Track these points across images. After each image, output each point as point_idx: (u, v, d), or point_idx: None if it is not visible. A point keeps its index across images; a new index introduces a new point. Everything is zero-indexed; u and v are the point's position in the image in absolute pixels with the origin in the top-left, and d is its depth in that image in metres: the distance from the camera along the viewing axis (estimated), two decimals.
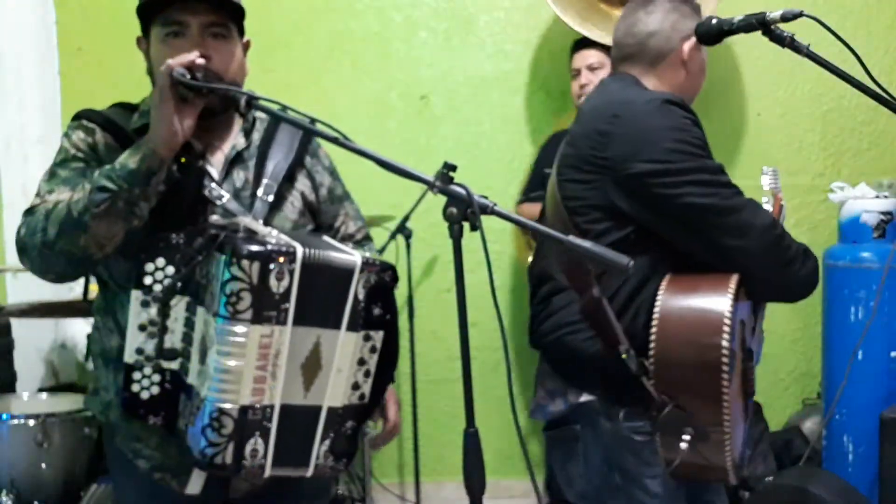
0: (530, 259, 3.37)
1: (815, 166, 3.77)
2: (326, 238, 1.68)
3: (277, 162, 1.73)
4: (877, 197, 3.24)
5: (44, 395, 3.12)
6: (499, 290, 1.48)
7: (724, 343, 1.61)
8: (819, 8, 3.62)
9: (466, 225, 1.39)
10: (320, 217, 1.83)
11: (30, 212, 1.61)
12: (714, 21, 1.76)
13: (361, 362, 1.60)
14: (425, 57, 3.78)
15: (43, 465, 2.73)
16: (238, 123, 1.77)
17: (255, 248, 1.45)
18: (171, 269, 1.55)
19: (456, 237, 1.39)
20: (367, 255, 1.60)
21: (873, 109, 3.68)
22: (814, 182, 3.74)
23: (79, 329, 3.51)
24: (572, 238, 1.39)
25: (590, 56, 3.22)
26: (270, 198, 1.70)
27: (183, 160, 1.61)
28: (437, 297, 3.71)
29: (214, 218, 1.63)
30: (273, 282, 1.46)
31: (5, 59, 3.59)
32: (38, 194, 1.64)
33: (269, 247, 1.47)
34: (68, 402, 2.90)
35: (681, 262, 1.74)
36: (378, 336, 1.61)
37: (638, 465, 1.74)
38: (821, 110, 3.77)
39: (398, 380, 3.77)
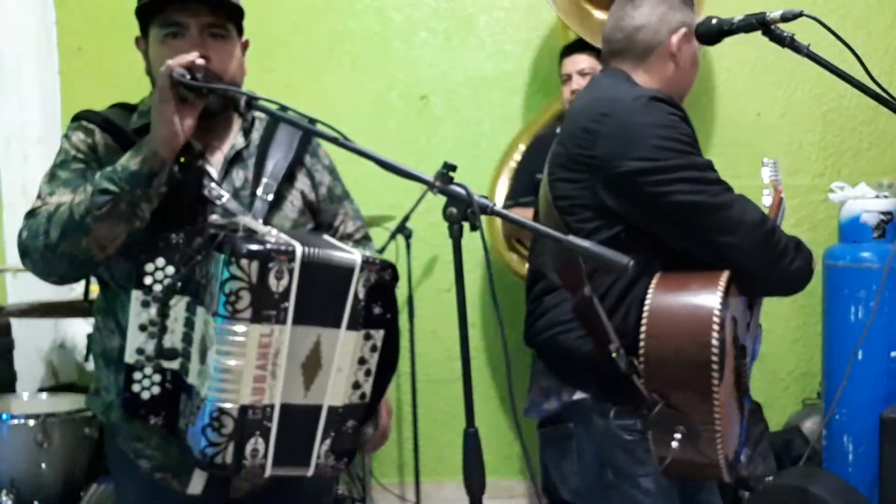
0: (514, 258, 3.38)
1: (815, 166, 3.78)
2: (326, 237, 1.68)
3: (277, 161, 1.73)
4: (877, 197, 3.24)
5: (44, 395, 3.12)
6: (498, 290, 1.47)
7: (714, 340, 1.61)
8: (819, 8, 3.62)
9: (466, 225, 1.39)
10: (320, 216, 1.83)
11: (31, 214, 1.61)
12: (714, 21, 1.75)
13: (362, 361, 1.60)
14: (425, 57, 3.78)
15: (43, 465, 2.72)
16: (237, 123, 1.77)
17: (253, 247, 1.45)
18: (170, 269, 1.55)
19: (456, 237, 1.39)
20: (368, 253, 1.60)
21: (873, 109, 3.68)
22: (814, 182, 3.74)
23: (79, 329, 3.51)
24: (572, 238, 1.39)
25: (581, 61, 3.20)
26: (270, 197, 1.70)
27: (182, 160, 1.61)
28: (437, 297, 3.71)
29: (214, 217, 1.63)
30: (272, 281, 1.46)
31: (5, 59, 3.59)
32: (39, 196, 1.65)
33: (269, 246, 1.47)
34: (68, 402, 2.90)
35: (672, 259, 1.74)
36: (378, 335, 1.61)
37: (631, 463, 1.74)
38: (821, 110, 3.77)
39: (398, 380, 3.78)
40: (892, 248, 3.07)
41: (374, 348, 1.60)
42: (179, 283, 1.55)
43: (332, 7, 3.77)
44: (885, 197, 3.24)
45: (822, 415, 3.35)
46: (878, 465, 2.94)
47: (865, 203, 3.22)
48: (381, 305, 1.59)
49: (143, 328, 1.55)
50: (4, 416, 2.72)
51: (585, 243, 1.39)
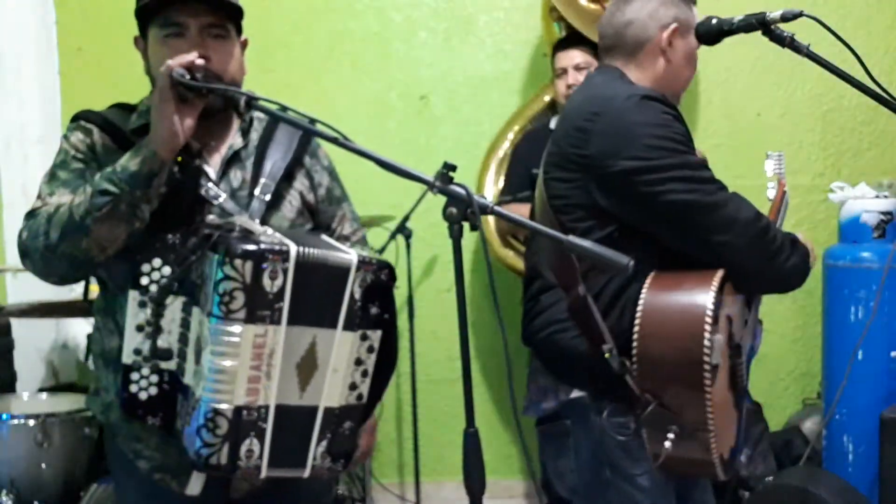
0: (509, 254, 3.37)
1: (815, 166, 3.78)
2: (325, 237, 1.68)
3: (275, 161, 1.73)
4: (877, 197, 3.24)
5: (44, 395, 3.12)
6: (498, 290, 1.47)
7: (706, 339, 1.61)
8: (819, 8, 3.62)
9: (466, 225, 1.39)
10: (318, 217, 1.82)
11: (31, 215, 1.61)
12: (714, 21, 1.75)
13: (359, 362, 1.59)
14: (425, 57, 3.78)
15: (43, 465, 2.72)
16: (236, 123, 1.77)
17: (247, 247, 1.45)
18: (167, 270, 1.54)
19: (456, 237, 1.39)
20: (364, 253, 1.59)
21: (873, 109, 3.68)
22: (814, 182, 3.74)
23: (79, 329, 3.52)
24: (572, 238, 1.39)
25: (576, 56, 3.19)
26: (268, 197, 1.69)
27: (179, 159, 1.60)
28: (437, 297, 3.70)
29: (211, 218, 1.63)
30: (266, 281, 1.46)
31: (5, 59, 3.59)
32: (38, 196, 1.65)
33: (262, 246, 1.46)
34: (68, 402, 2.90)
35: (666, 259, 1.74)
36: (376, 336, 1.60)
37: (628, 460, 1.74)
38: (821, 110, 3.77)
39: (398, 379, 3.78)
40: (892, 248, 3.07)
41: (371, 349, 1.60)
42: (174, 284, 1.54)
43: (332, 7, 3.77)
44: (885, 197, 3.24)
45: (822, 415, 3.35)
46: (878, 465, 2.94)
47: (865, 203, 3.22)
48: (378, 306, 1.59)
49: (139, 329, 1.55)
50: (4, 416, 2.71)
51: (585, 243, 1.39)
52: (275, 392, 1.50)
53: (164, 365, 1.56)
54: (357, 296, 1.56)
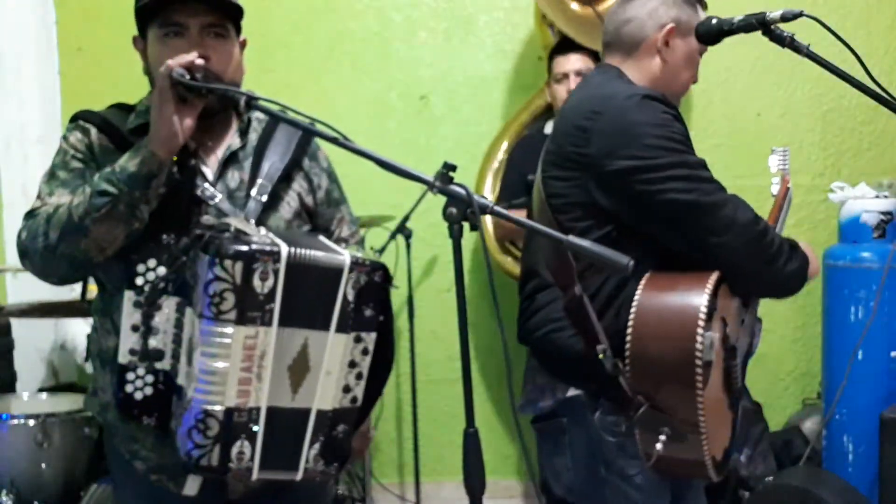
0: (508, 260, 3.37)
1: (815, 166, 3.78)
2: (321, 238, 1.67)
3: (273, 162, 1.72)
4: (877, 197, 3.24)
5: (44, 395, 3.12)
6: (498, 290, 1.47)
7: (698, 340, 1.61)
8: (819, 8, 3.62)
9: (466, 225, 1.39)
10: (317, 219, 1.82)
11: (30, 215, 1.61)
12: (714, 21, 1.75)
13: (352, 364, 1.58)
14: (425, 57, 3.78)
15: (43, 465, 2.72)
16: (235, 124, 1.76)
17: (238, 247, 1.44)
18: (162, 270, 1.54)
19: (456, 237, 1.39)
20: (358, 255, 1.58)
21: (873, 109, 3.68)
22: (814, 182, 3.74)
23: (79, 329, 3.51)
24: (572, 237, 1.39)
25: (576, 61, 3.16)
26: (264, 198, 1.68)
27: (175, 159, 1.60)
28: (437, 297, 3.71)
29: (206, 218, 1.63)
30: (257, 282, 1.45)
31: (5, 58, 3.59)
32: (38, 196, 1.65)
33: (253, 246, 1.45)
34: (68, 402, 2.90)
35: (665, 259, 1.73)
36: (370, 338, 1.59)
37: (623, 459, 1.74)
38: (821, 110, 3.77)
39: (398, 379, 3.78)
40: (892, 248, 3.07)
41: (365, 351, 1.58)
42: (169, 284, 1.54)
43: (332, 7, 3.77)
44: (885, 197, 3.24)
45: (822, 415, 3.35)
46: (878, 465, 2.94)
47: (865, 203, 3.22)
48: (372, 308, 1.57)
49: (135, 329, 1.55)
50: (4, 416, 2.71)
51: (585, 243, 1.39)
52: (266, 394, 1.50)
53: (159, 365, 1.56)
54: (350, 297, 1.55)
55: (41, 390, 3.32)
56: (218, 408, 1.46)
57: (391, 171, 1.43)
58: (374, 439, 3.69)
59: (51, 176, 1.66)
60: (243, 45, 1.75)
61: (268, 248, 1.46)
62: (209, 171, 1.69)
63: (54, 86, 3.77)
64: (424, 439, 3.67)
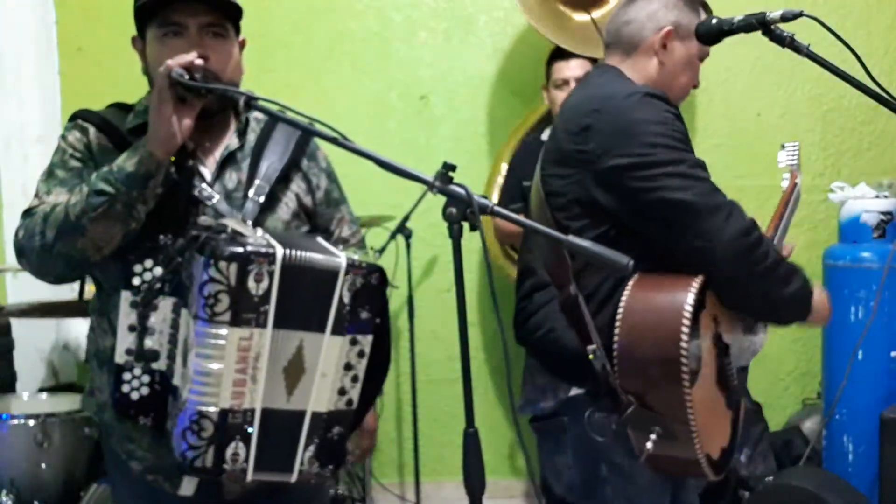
0: (508, 264, 3.37)
1: (815, 166, 3.78)
2: (319, 239, 1.66)
3: (271, 163, 1.72)
4: (877, 197, 3.24)
5: (44, 395, 3.12)
6: (498, 290, 1.47)
7: (683, 337, 1.61)
8: (819, 8, 3.62)
9: (466, 225, 1.39)
10: (316, 220, 1.81)
11: (28, 213, 1.61)
12: (714, 21, 1.75)
13: (348, 367, 1.57)
14: (425, 57, 3.78)
15: (43, 465, 2.72)
16: (234, 124, 1.76)
17: (233, 249, 1.44)
18: (159, 271, 1.54)
19: (455, 237, 1.39)
20: (354, 257, 1.57)
21: (873, 109, 3.68)
22: (814, 182, 3.74)
23: (79, 329, 3.52)
24: (571, 237, 1.39)
25: (577, 67, 3.14)
26: (262, 199, 1.68)
27: (173, 159, 1.60)
28: (437, 297, 3.71)
29: (202, 219, 1.63)
30: (252, 283, 1.45)
31: (5, 58, 3.59)
32: (36, 195, 1.65)
33: (249, 248, 1.45)
34: (68, 402, 2.90)
35: (662, 260, 1.72)
36: (366, 340, 1.58)
37: (624, 458, 1.74)
38: (821, 110, 3.77)
39: (398, 379, 3.78)
40: (892, 248, 3.07)
41: (361, 354, 1.58)
42: (165, 285, 1.54)
43: (332, 7, 3.77)
44: (885, 197, 3.24)
45: (822, 415, 3.35)
46: (878, 465, 2.94)
47: (865, 203, 3.22)
48: (368, 310, 1.57)
49: (132, 329, 1.55)
50: (4, 416, 2.71)
51: (585, 243, 1.39)
52: (261, 395, 1.49)
53: (155, 365, 1.56)
54: (346, 299, 1.54)
55: (41, 390, 3.32)
56: (212, 409, 1.46)
57: (391, 171, 1.43)
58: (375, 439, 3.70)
59: (49, 175, 1.66)
60: (242, 45, 1.75)
61: (263, 249, 1.46)
62: (207, 171, 1.69)
63: (54, 86, 3.77)
64: (424, 439, 3.67)
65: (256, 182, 1.69)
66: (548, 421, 1.85)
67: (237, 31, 1.73)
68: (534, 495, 3.49)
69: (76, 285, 2.31)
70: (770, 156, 3.69)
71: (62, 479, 2.76)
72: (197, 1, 1.62)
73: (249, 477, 1.51)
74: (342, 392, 1.58)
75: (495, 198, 3.46)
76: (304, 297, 1.51)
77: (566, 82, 3.16)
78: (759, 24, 1.66)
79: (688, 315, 1.62)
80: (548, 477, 1.94)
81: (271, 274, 1.46)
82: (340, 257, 1.55)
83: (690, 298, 1.63)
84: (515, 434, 3.67)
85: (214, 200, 1.65)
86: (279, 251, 1.47)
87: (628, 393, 1.65)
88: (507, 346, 1.48)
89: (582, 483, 1.83)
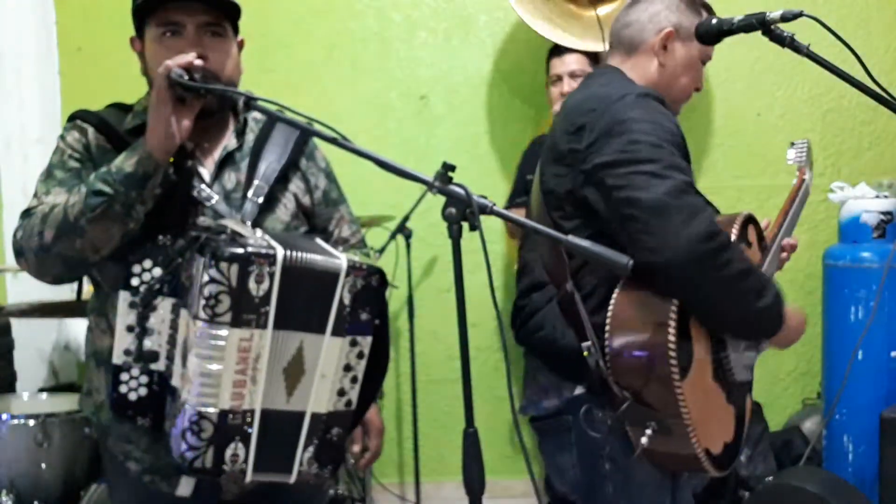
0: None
1: (815, 166, 3.76)
2: (318, 240, 1.66)
3: (270, 163, 1.72)
4: (877, 197, 3.24)
5: (44, 395, 3.12)
6: (498, 290, 1.47)
7: (671, 332, 1.61)
8: (819, 8, 3.62)
9: (466, 225, 1.39)
10: (314, 220, 1.81)
11: (27, 213, 1.61)
12: (714, 21, 1.76)
13: (348, 368, 1.57)
14: (425, 57, 3.78)
15: (43, 465, 2.72)
16: (233, 124, 1.76)
17: (234, 250, 1.44)
18: (157, 271, 1.54)
19: (455, 237, 1.39)
20: (355, 258, 1.58)
21: (873, 109, 3.68)
22: (814, 182, 3.73)
23: (79, 329, 3.52)
24: (571, 237, 1.39)
25: (571, 62, 3.17)
26: (260, 199, 1.68)
27: (172, 160, 1.60)
28: (437, 297, 3.71)
29: (201, 219, 1.63)
30: (252, 284, 1.45)
31: (5, 59, 3.59)
32: (35, 195, 1.65)
33: (249, 249, 1.45)
34: (68, 402, 2.90)
35: None
36: (366, 341, 1.59)
37: (627, 455, 1.75)
38: (821, 110, 3.77)
39: (398, 380, 3.78)
40: (892, 248, 3.07)
41: (360, 355, 1.58)
42: (164, 285, 1.54)
43: (332, 7, 3.77)
44: (885, 197, 3.24)
45: (822, 415, 3.35)
46: (878, 465, 2.94)
47: (865, 203, 3.22)
48: (368, 311, 1.57)
49: (130, 329, 1.55)
50: (4, 416, 2.71)
51: (585, 243, 1.39)
52: (260, 396, 1.50)
53: (153, 366, 1.56)
54: (346, 301, 1.54)
55: (41, 390, 3.32)
56: (212, 410, 1.46)
57: (391, 171, 1.43)
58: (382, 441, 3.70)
59: (48, 175, 1.66)
60: (241, 45, 1.75)
61: (263, 250, 1.46)
62: (206, 172, 1.69)
63: (54, 86, 3.77)
64: (424, 439, 3.67)
65: (255, 183, 1.69)
66: (551, 420, 1.85)
67: (236, 30, 1.72)
68: (534, 495, 3.47)
69: (75, 285, 2.30)
70: (770, 156, 3.72)
71: (62, 479, 2.76)
72: (195, 0, 1.62)
73: (248, 478, 1.51)
74: (342, 393, 1.58)
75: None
76: (304, 299, 1.51)
77: (560, 78, 3.18)
78: (759, 24, 1.66)
79: (675, 309, 1.62)
80: (551, 475, 1.94)
81: (272, 275, 1.46)
82: (341, 259, 1.55)
83: None
84: (515, 434, 3.67)
85: (213, 201, 1.65)
86: (280, 252, 1.47)
87: (623, 389, 1.65)
88: (507, 346, 1.48)
89: (585, 481, 1.83)
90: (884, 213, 3.19)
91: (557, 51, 3.24)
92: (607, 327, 1.67)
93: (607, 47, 1.98)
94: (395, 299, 3.63)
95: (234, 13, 1.70)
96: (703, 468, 1.69)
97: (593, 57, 3.19)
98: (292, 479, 1.57)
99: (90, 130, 1.69)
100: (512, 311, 1.93)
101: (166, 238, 1.55)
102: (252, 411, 1.49)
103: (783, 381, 3.81)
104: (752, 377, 1.93)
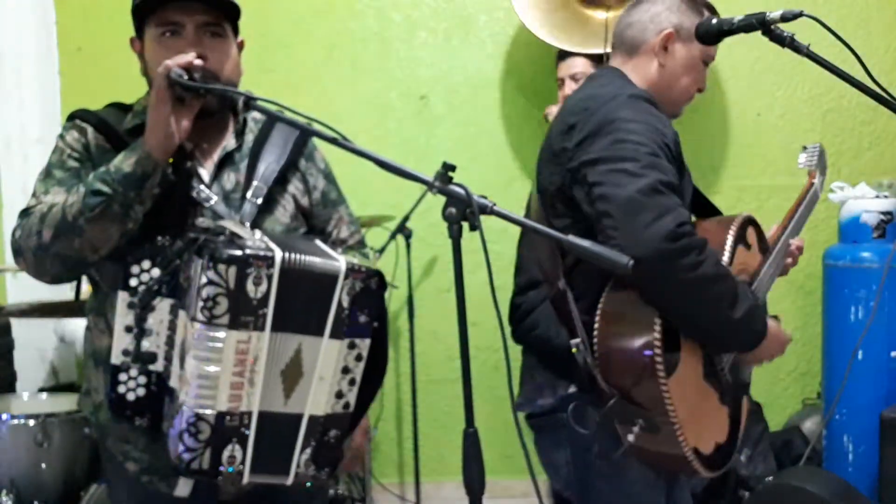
0: None
1: None
2: (318, 242, 1.66)
3: (269, 164, 1.72)
4: (877, 197, 3.24)
5: (44, 395, 3.12)
6: (498, 290, 1.47)
7: (656, 328, 1.61)
8: (819, 8, 3.62)
9: (466, 225, 1.39)
10: (312, 221, 1.81)
11: (25, 213, 1.61)
12: (714, 21, 1.76)
13: (346, 370, 1.57)
14: (425, 57, 3.78)
15: (43, 465, 2.72)
16: (232, 125, 1.76)
17: (232, 252, 1.44)
18: (156, 272, 1.54)
19: (455, 237, 1.39)
20: (354, 261, 1.57)
21: (873, 109, 3.68)
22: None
23: (80, 329, 3.51)
24: (572, 237, 1.39)
25: (574, 66, 3.17)
26: (259, 201, 1.68)
27: (171, 160, 1.59)
28: (437, 297, 3.71)
29: (200, 220, 1.63)
30: (250, 287, 1.45)
31: (5, 59, 3.59)
32: (34, 194, 1.64)
33: (247, 251, 1.45)
34: (68, 402, 2.90)
35: None
36: (364, 344, 1.58)
37: (619, 454, 1.75)
38: (821, 110, 3.77)
39: (398, 379, 3.78)
40: (892, 248, 3.07)
41: (359, 357, 1.58)
42: (163, 286, 1.54)
43: (332, 7, 3.77)
44: (885, 197, 3.24)
45: (822, 415, 3.35)
46: (878, 465, 2.94)
47: (865, 203, 3.23)
48: (367, 314, 1.57)
49: (128, 329, 1.55)
50: (4, 416, 2.71)
51: (586, 243, 1.39)
52: (258, 398, 1.50)
53: (151, 367, 1.56)
54: (345, 304, 1.54)
55: (41, 390, 3.32)
56: (209, 412, 1.46)
57: (391, 171, 1.43)
58: (374, 439, 3.69)
59: (47, 174, 1.66)
60: (241, 46, 1.75)
61: (262, 252, 1.46)
62: (205, 172, 1.69)
63: (54, 86, 3.77)
64: (424, 439, 3.67)
65: (254, 184, 1.69)
66: (546, 417, 1.85)
67: (236, 31, 1.72)
68: (534, 495, 3.47)
69: (74, 285, 2.30)
70: (770, 156, 3.72)
71: (62, 479, 2.76)
72: (194, 0, 1.61)
73: (246, 479, 1.51)
74: (339, 395, 1.58)
75: None
76: (302, 301, 1.51)
77: (563, 81, 3.18)
78: (759, 24, 1.66)
79: None
80: (546, 473, 1.94)
81: (270, 277, 1.46)
82: (340, 261, 1.54)
83: None
84: (515, 434, 3.66)
85: (212, 202, 1.65)
86: (278, 254, 1.47)
87: (611, 386, 1.66)
88: (507, 346, 1.48)
89: (578, 477, 1.83)
90: (884, 213, 3.19)
91: (562, 54, 3.25)
92: (596, 324, 1.68)
93: (609, 49, 1.98)
94: (395, 299, 3.63)
95: (233, 14, 1.69)
96: (692, 468, 1.69)
97: (599, 60, 3.20)
98: (289, 480, 1.57)
99: (89, 130, 1.69)
100: (509, 308, 1.94)
101: (165, 239, 1.55)
102: (249, 413, 1.49)
103: (783, 381, 3.81)
104: (749, 379, 1.93)
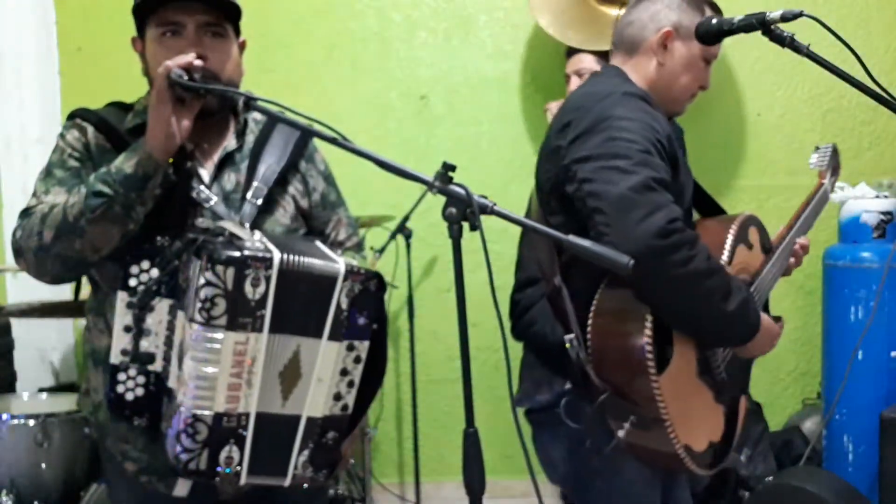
0: None
1: None
2: (317, 244, 1.66)
3: (269, 165, 1.72)
4: (877, 197, 3.24)
5: (44, 395, 3.12)
6: (499, 290, 1.47)
7: (647, 325, 1.61)
8: (819, 8, 3.62)
9: (466, 225, 1.39)
10: (312, 222, 1.81)
11: (26, 213, 1.61)
12: (714, 21, 1.76)
13: (344, 372, 1.57)
14: (425, 57, 3.78)
15: (43, 465, 2.73)
16: (233, 125, 1.76)
17: (230, 253, 1.44)
18: (155, 272, 1.54)
19: (455, 237, 1.39)
20: (354, 262, 1.58)
21: (873, 109, 3.68)
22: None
23: (80, 329, 3.51)
24: (572, 237, 1.39)
25: (580, 62, 3.17)
26: (259, 201, 1.68)
27: (171, 161, 1.59)
28: (437, 297, 3.71)
29: (200, 221, 1.63)
30: (248, 288, 1.45)
31: (5, 59, 3.60)
32: (34, 194, 1.64)
33: (246, 252, 1.45)
34: (68, 402, 2.90)
35: None
36: (363, 346, 1.58)
37: (616, 450, 1.75)
38: (821, 110, 3.77)
39: (398, 379, 3.78)
40: (892, 248, 3.07)
41: (357, 359, 1.58)
42: (162, 286, 1.54)
43: (332, 7, 3.77)
44: (885, 197, 3.24)
45: (822, 415, 3.35)
46: (878, 465, 2.94)
47: (865, 203, 3.23)
48: (366, 316, 1.57)
49: (127, 329, 1.55)
50: (4, 416, 2.71)
51: (586, 243, 1.39)
52: (256, 400, 1.50)
53: (150, 367, 1.56)
54: (344, 305, 1.54)
55: (41, 390, 3.32)
56: (207, 413, 1.46)
57: (391, 171, 1.43)
58: (374, 439, 3.69)
59: (47, 174, 1.66)
60: (242, 46, 1.74)
61: (260, 254, 1.46)
62: (205, 173, 1.69)
63: (54, 86, 3.77)
64: (424, 439, 3.67)
65: (254, 184, 1.69)
66: (545, 413, 1.85)
67: (237, 31, 1.72)
68: (534, 495, 3.47)
69: (73, 285, 2.29)
70: (770, 156, 3.72)
71: (62, 479, 2.77)
72: (195, 0, 1.61)
73: (243, 480, 1.51)
74: (338, 397, 1.58)
75: None
76: (301, 303, 1.51)
77: (569, 77, 3.19)
78: (759, 24, 1.66)
79: None
80: (543, 468, 1.95)
81: (268, 279, 1.46)
82: (339, 263, 1.54)
83: None
84: (515, 434, 3.66)
85: (212, 202, 1.65)
86: (276, 256, 1.47)
87: (603, 381, 1.66)
88: (507, 346, 1.48)
89: (574, 474, 1.84)
90: (884, 213, 3.19)
91: (570, 51, 3.26)
92: (589, 320, 1.68)
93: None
94: (395, 299, 3.63)
95: (234, 14, 1.69)
96: (684, 465, 1.69)
97: (607, 56, 3.20)
98: (287, 482, 1.57)
99: (90, 129, 1.69)
100: (509, 304, 1.94)
101: (164, 239, 1.55)
102: (247, 414, 1.49)
103: (783, 381, 3.81)
104: (747, 378, 1.93)
